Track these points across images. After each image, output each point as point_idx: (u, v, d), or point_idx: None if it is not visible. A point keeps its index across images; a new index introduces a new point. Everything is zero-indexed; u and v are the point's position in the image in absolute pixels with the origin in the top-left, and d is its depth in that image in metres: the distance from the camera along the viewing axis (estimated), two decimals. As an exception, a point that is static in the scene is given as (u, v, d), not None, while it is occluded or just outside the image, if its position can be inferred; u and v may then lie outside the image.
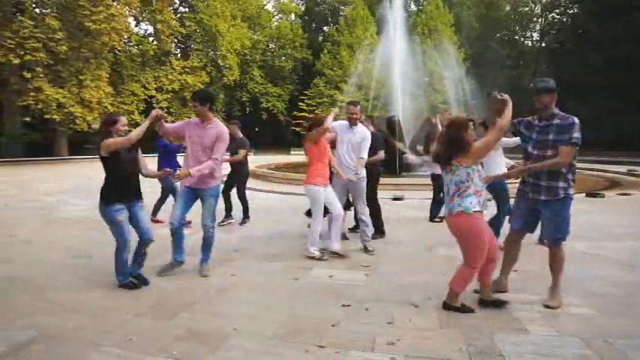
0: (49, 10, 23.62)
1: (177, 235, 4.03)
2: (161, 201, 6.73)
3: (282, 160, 21.90)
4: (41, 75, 22.17)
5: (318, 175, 4.60)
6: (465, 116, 5.56)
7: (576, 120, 3.13)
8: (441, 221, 6.45)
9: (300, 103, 39.70)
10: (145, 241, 3.74)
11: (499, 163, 5.02)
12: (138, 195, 3.73)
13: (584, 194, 9.24)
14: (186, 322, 2.98)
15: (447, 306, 3.17)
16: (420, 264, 4.39)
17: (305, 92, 40.50)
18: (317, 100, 38.91)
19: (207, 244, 4.14)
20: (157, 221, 6.38)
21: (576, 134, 3.10)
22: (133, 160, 3.67)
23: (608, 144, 27.47)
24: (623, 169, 15.89)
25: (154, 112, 3.77)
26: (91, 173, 15.02)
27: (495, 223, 4.86)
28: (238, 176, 6.68)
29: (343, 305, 3.26)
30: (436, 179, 6.59)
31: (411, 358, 2.48)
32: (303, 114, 38.10)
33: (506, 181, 5.02)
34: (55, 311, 3.15)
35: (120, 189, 3.57)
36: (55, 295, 3.47)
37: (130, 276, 3.69)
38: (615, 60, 28.74)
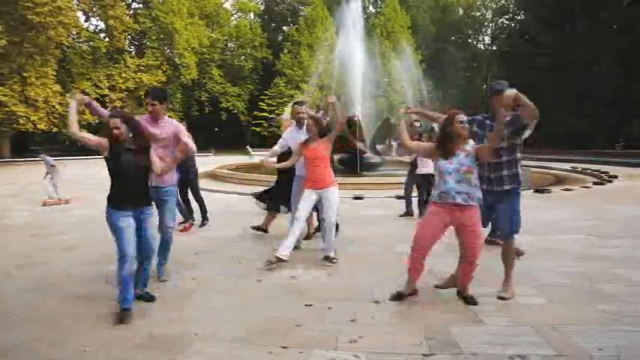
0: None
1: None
2: None
3: (242, 161, 21.62)
4: (-25, 71, 20.61)
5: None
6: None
7: (525, 120, 3.30)
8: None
9: (261, 103, 39.42)
10: (142, 254, 3.26)
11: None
12: (144, 201, 3.25)
13: (532, 190, 9.77)
14: (146, 328, 2.87)
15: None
16: (381, 262, 4.47)
17: (265, 92, 40.24)
18: (278, 100, 38.76)
19: (166, 247, 3.91)
20: None
21: (512, 126, 3.30)
22: (135, 163, 3.13)
23: (554, 142, 29.20)
24: (567, 166, 16.97)
25: (76, 96, 3.38)
26: (35, 176, 14.16)
27: None
28: (189, 176, 6.47)
29: (306, 305, 3.26)
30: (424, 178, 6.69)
31: (374, 354, 2.52)
32: (263, 114, 37.83)
33: None
34: (7, 322, 2.94)
35: (121, 193, 3.12)
36: (8, 306, 3.24)
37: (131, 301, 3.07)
38: (560, 63, 30.69)
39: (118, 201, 3.10)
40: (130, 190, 3.12)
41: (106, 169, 3.14)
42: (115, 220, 3.06)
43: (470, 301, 3.26)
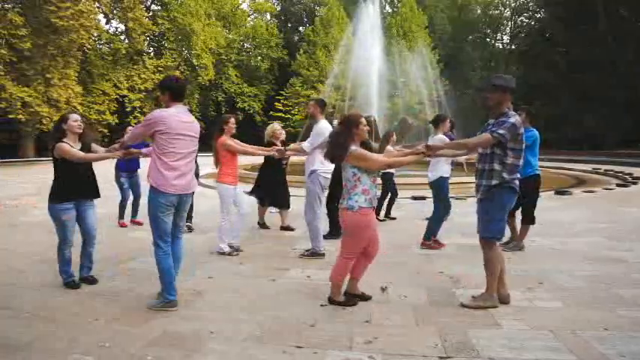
0: (11, 5, 22.64)
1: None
2: (135, 201, 6.59)
3: (258, 161, 21.74)
4: (2, 72, 21.20)
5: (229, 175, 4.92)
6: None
7: (512, 120, 3.04)
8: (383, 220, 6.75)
9: (277, 104, 39.52)
10: (86, 240, 3.81)
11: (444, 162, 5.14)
12: (91, 195, 3.80)
13: (552, 192, 9.57)
14: (161, 326, 2.92)
15: (331, 301, 3.30)
16: (395, 263, 4.45)
17: (281, 92, 40.35)
18: (293, 100, 38.85)
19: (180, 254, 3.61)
20: (138, 222, 6.48)
21: (502, 130, 3.02)
22: (87, 164, 3.72)
23: (574, 143, 28.58)
24: (589, 167, 16.56)
25: (118, 152, 3.74)
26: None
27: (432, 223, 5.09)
28: None
29: (321, 305, 3.27)
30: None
31: (389, 355, 2.51)
32: (279, 114, 37.95)
33: (445, 180, 5.16)
34: (19, 319, 3.03)
35: (69, 189, 3.65)
36: (20, 303, 3.33)
37: (73, 277, 3.70)
38: (579, 62, 29.97)
39: (64, 196, 3.73)
40: (77, 186, 3.77)
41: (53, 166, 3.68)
42: (59, 214, 3.75)
43: (356, 297, 3.34)
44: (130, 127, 6.16)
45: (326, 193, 5.08)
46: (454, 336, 2.73)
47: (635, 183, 11.66)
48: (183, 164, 3.24)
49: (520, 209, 4.85)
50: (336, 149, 3.21)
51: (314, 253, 4.66)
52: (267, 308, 3.23)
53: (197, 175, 6.27)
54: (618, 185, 11.17)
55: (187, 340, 2.71)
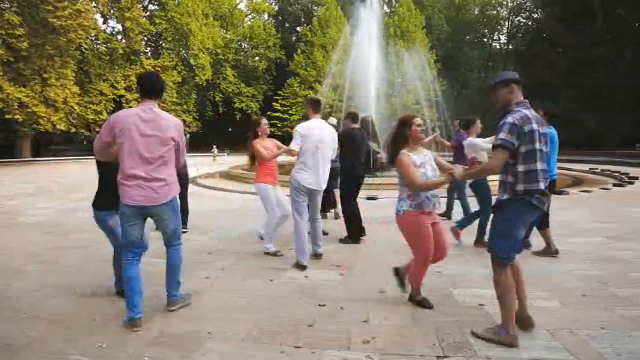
0: (7, 5, 22.57)
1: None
2: None
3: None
4: (0, 73, 21.14)
5: (267, 174, 4.86)
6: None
7: (509, 119, 2.58)
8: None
9: (274, 104, 39.59)
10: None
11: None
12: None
13: (549, 191, 9.59)
14: (159, 326, 2.91)
15: (410, 298, 3.32)
16: (394, 263, 4.44)
17: (279, 92, 40.37)
18: (291, 100, 38.88)
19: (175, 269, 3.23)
20: None
21: (502, 135, 2.57)
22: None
23: (571, 143, 28.67)
24: (585, 167, 16.62)
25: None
26: (54, 175, 14.49)
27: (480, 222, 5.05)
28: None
29: (319, 305, 3.26)
30: None
31: (387, 355, 2.50)
32: (277, 114, 37.96)
33: (485, 180, 5.07)
34: (17, 320, 3.01)
35: (110, 195, 3.12)
36: (17, 303, 3.31)
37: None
38: (577, 62, 30.09)
39: (105, 202, 3.35)
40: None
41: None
42: (104, 219, 3.36)
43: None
44: None
45: (308, 197, 4.51)
46: (452, 335, 2.73)
47: (631, 183, 11.72)
48: (143, 171, 2.83)
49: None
50: (388, 151, 3.20)
51: (296, 263, 4.32)
52: (265, 308, 3.23)
53: (185, 178, 6.03)
54: (615, 185, 11.22)
55: (185, 341, 2.70)
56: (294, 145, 4.29)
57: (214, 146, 31.54)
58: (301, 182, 4.31)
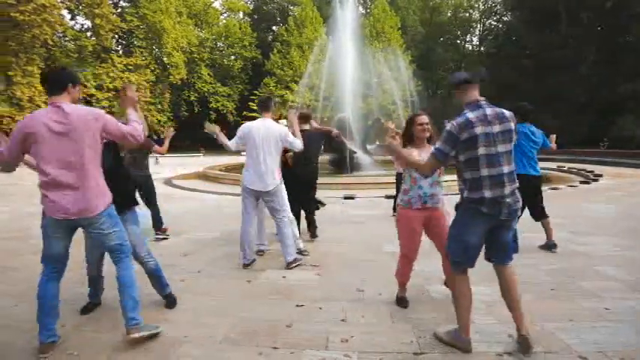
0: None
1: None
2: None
3: (232, 161, 21.49)
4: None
5: None
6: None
7: (447, 126, 2.48)
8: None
9: (251, 103, 39.20)
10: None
11: None
12: (126, 203, 3.12)
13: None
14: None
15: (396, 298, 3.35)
16: (370, 261, 4.49)
17: (255, 92, 40.04)
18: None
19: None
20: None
21: (438, 144, 2.53)
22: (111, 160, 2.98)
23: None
24: (553, 165, 17.22)
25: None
26: (13, 178, 13.89)
27: None
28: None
29: (296, 305, 3.26)
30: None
31: (365, 353, 2.53)
32: (253, 114, 37.59)
33: None
34: (-18, 329, 2.88)
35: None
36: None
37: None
38: (544, 64, 31.17)
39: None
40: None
41: None
42: None
43: None
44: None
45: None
46: (428, 332, 2.78)
47: (596, 180, 12.22)
48: (58, 176, 2.49)
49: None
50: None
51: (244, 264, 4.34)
52: (242, 310, 3.20)
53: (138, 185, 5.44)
54: (581, 182, 11.67)
55: (161, 345, 2.65)
56: (229, 142, 4.47)
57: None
58: (244, 182, 4.37)
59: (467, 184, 2.52)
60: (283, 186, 4.54)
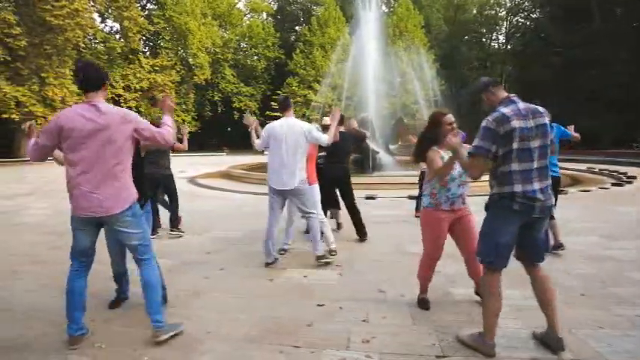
0: (4, 4, 22.51)
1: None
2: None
3: (255, 161, 21.71)
4: (-2, 72, 21.14)
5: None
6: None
7: (483, 123, 2.47)
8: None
9: (273, 103, 39.45)
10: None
11: None
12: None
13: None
14: (158, 326, 2.90)
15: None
16: (392, 262, 4.45)
17: (278, 92, 40.30)
18: (290, 100, 38.83)
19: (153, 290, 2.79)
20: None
21: (475, 141, 2.47)
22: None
23: (568, 142, 28.76)
24: (583, 166, 16.66)
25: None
26: (52, 175, 14.43)
27: None
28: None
29: (318, 305, 3.26)
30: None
31: (386, 354, 2.51)
32: (275, 114, 37.86)
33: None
34: (15, 320, 3.00)
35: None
36: (14, 304, 3.31)
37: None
38: (574, 62, 30.16)
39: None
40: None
41: None
42: None
43: None
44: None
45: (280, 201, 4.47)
46: (451, 335, 2.74)
47: (629, 182, 11.74)
48: (88, 173, 2.53)
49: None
50: (415, 148, 3.19)
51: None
52: (264, 308, 3.23)
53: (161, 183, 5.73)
54: (613, 184, 11.24)
55: (184, 341, 2.70)
56: (256, 141, 4.53)
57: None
58: (268, 181, 4.39)
59: (496, 179, 2.49)
60: (313, 187, 4.61)
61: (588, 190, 10.04)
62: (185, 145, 5.77)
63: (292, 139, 4.25)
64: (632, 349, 2.52)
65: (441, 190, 3.08)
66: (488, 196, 2.60)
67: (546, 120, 2.48)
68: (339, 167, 5.40)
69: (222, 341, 2.69)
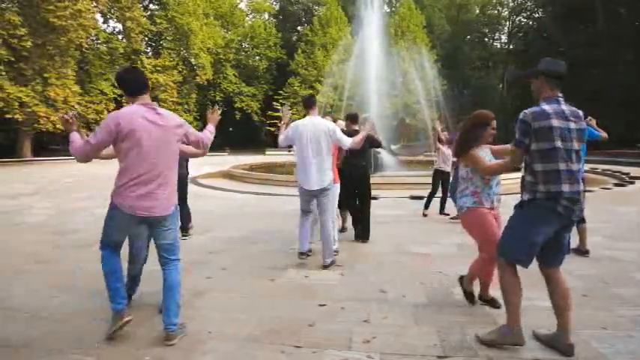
0: (8, 5, 22.58)
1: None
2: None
3: (257, 161, 21.73)
4: (2, 72, 21.16)
5: None
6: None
7: (520, 116, 2.49)
8: (450, 216, 6.73)
9: (275, 103, 39.54)
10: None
11: None
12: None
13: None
14: (160, 326, 2.90)
15: (481, 297, 3.28)
16: (394, 262, 4.45)
17: (279, 92, 40.34)
18: (292, 99, 38.83)
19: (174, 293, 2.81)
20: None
21: (517, 135, 2.50)
22: None
23: (597, 142, 28.66)
24: (586, 166, 16.56)
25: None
26: (55, 175, 14.49)
27: None
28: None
29: (319, 305, 3.27)
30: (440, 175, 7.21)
31: (387, 354, 2.51)
32: (277, 114, 37.86)
33: None
34: (19, 320, 3.02)
35: None
36: (17, 303, 3.32)
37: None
38: (577, 62, 30.05)
39: None
40: None
41: None
42: None
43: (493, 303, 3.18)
44: None
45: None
46: (452, 335, 2.73)
47: (632, 182, 11.70)
48: (147, 174, 2.62)
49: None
50: (459, 147, 3.11)
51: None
52: (266, 308, 3.23)
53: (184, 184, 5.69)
54: (616, 185, 11.20)
55: (186, 341, 2.70)
56: (282, 136, 4.43)
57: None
58: (297, 181, 4.37)
59: (539, 177, 2.44)
60: (336, 186, 4.59)
61: (591, 191, 9.99)
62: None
63: (317, 138, 4.20)
64: (634, 349, 2.51)
65: (484, 188, 3.07)
66: (523, 195, 2.56)
67: (585, 125, 2.53)
68: (361, 168, 5.38)
69: (224, 341, 2.70)
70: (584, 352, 2.49)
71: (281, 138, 4.46)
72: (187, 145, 3.03)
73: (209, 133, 3.12)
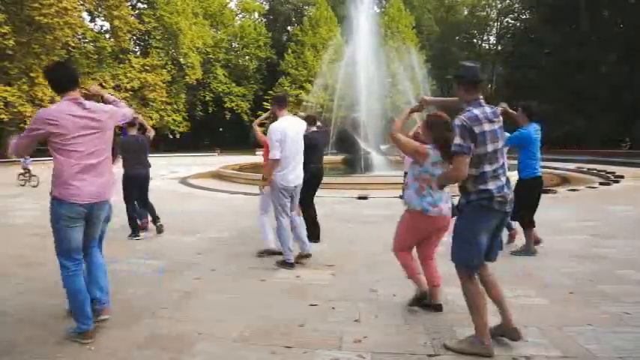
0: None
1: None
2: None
3: (246, 161, 21.63)
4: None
5: None
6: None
7: (457, 121, 2.48)
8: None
9: (265, 103, 39.37)
10: None
11: None
12: None
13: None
14: (149, 328, 2.88)
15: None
16: (384, 262, 4.46)
17: (270, 92, 40.21)
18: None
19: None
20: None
21: (457, 140, 2.45)
22: None
23: (558, 142, 29.10)
24: (572, 165, 16.86)
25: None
26: (41, 176, 14.22)
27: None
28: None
29: (310, 305, 3.26)
30: None
31: (378, 354, 2.52)
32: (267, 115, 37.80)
33: None
34: (6, 323, 2.96)
35: None
36: (2, 307, 3.26)
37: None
38: (563, 63, 30.56)
39: None
40: None
41: None
42: None
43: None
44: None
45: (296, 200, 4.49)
46: (442, 334, 2.75)
47: (617, 181, 11.91)
48: (86, 164, 2.66)
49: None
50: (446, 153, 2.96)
51: (284, 262, 4.30)
52: (256, 308, 3.22)
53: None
54: (601, 184, 11.39)
55: (175, 342, 2.68)
56: (276, 155, 4.12)
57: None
58: (280, 182, 4.23)
59: (471, 180, 2.52)
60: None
61: (577, 190, 10.17)
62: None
63: (299, 137, 4.38)
64: (620, 345, 2.56)
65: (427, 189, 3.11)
66: (460, 199, 2.62)
67: (501, 122, 2.65)
68: (316, 168, 5.18)
69: (214, 342, 2.68)
70: (569, 348, 2.53)
71: (277, 153, 4.13)
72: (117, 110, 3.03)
73: (116, 101, 3.25)
